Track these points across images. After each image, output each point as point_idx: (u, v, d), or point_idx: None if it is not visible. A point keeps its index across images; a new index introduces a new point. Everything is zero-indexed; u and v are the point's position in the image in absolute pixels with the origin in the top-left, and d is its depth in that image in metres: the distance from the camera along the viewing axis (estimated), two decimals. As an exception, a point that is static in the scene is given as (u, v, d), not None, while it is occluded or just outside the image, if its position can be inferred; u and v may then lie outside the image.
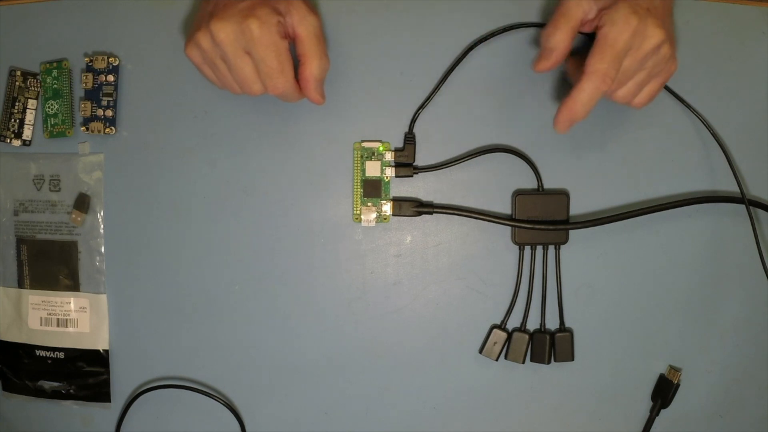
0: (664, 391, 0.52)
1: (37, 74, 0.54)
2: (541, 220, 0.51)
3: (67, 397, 0.56)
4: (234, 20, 0.42)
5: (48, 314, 0.55)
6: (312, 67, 0.45)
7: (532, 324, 0.53)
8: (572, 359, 0.52)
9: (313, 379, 0.54)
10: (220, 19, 0.43)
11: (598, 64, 0.42)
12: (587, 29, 0.44)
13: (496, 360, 0.52)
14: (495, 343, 0.52)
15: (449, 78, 0.51)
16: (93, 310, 0.54)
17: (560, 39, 0.43)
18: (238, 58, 0.43)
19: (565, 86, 0.51)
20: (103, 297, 0.54)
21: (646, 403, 0.54)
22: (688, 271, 0.52)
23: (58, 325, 0.55)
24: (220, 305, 0.53)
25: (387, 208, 0.51)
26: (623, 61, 0.42)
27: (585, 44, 0.48)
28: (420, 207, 0.51)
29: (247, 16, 0.42)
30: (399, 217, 0.52)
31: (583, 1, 0.43)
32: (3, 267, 0.56)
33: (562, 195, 0.51)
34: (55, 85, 0.53)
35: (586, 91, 0.42)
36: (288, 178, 0.52)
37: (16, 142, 0.54)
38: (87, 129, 0.53)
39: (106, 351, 0.55)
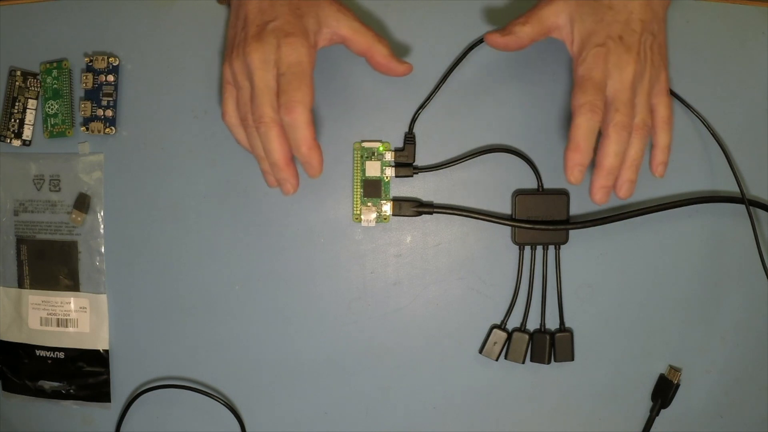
0: (664, 391, 0.52)
1: (37, 74, 0.54)
2: (541, 220, 0.51)
3: (67, 397, 0.56)
4: (269, 45, 0.42)
5: (48, 314, 0.55)
6: (378, 50, 0.46)
7: (532, 324, 0.53)
8: (572, 359, 0.52)
9: (313, 379, 0.54)
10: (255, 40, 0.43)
11: (581, 97, 0.43)
12: (556, 35, 0.46)
13: (496, 360, 0.52)
14: (495, 343, 0.52)
15: (449, 78, 0.51)
16: (93, 310, 0.54)
17: (527, 32, 0.45)
18: (268, 72, 0.43)
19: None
20: (103, 297, 0.54)
21: (646, 403, 0.54)
22: (688, 271, 0.52)
23: (58, 325, 0.55)
24: (220, 305, 0.53)
25: (387, 208, 0.51)
26: (607, 90, 0.43)
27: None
28: (420, 207, 0.51)
29: (280, 45, 0.42)
30: (399, 217, 0.52)
31: (560, 16, 0.45)
32: (3, 267, 0.56)
33: (562, 195, 0.51)
34: (55, 85, 0.53)
35: (581, 126, 0.43)
36: (288, 178, 0.52)
37: (16, 142, 0.54)
38: (87, 129, 0.53)
39: (106, 351, 0.55)
